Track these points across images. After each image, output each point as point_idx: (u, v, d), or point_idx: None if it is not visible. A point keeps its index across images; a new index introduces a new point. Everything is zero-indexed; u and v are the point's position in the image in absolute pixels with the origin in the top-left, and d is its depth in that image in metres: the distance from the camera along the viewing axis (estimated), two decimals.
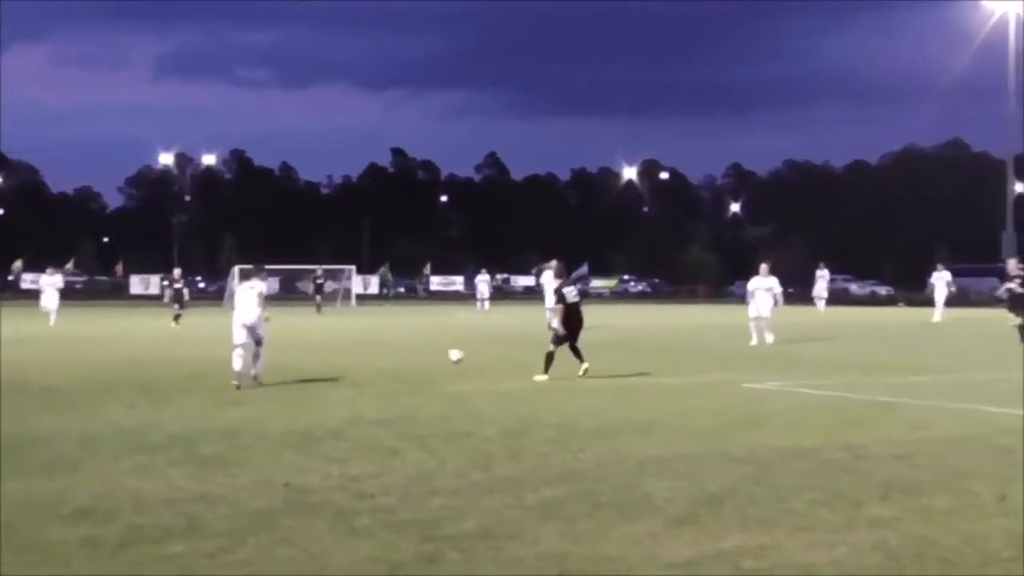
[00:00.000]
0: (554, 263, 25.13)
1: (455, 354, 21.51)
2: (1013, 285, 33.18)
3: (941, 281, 44.46)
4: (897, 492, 9.56)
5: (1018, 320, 29.50)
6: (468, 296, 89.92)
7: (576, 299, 20.59)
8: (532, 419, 14.17)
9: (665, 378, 20.06)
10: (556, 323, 20.81)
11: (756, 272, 30.85)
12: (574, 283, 20.91)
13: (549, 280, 34.44)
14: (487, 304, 60.31)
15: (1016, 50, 79.86)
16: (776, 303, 29.61)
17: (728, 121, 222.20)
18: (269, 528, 8.28)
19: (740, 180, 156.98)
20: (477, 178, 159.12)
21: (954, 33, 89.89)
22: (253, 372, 18.42)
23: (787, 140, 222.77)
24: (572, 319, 20.39)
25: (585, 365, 19.93)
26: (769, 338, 28.39)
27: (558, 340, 20.21)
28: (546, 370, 19.63)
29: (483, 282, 62.40)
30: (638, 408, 15.47)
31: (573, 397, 16.92)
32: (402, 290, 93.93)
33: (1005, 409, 15.22)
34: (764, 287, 29.49)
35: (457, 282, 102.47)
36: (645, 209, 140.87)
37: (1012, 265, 33.19)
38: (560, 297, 20.71)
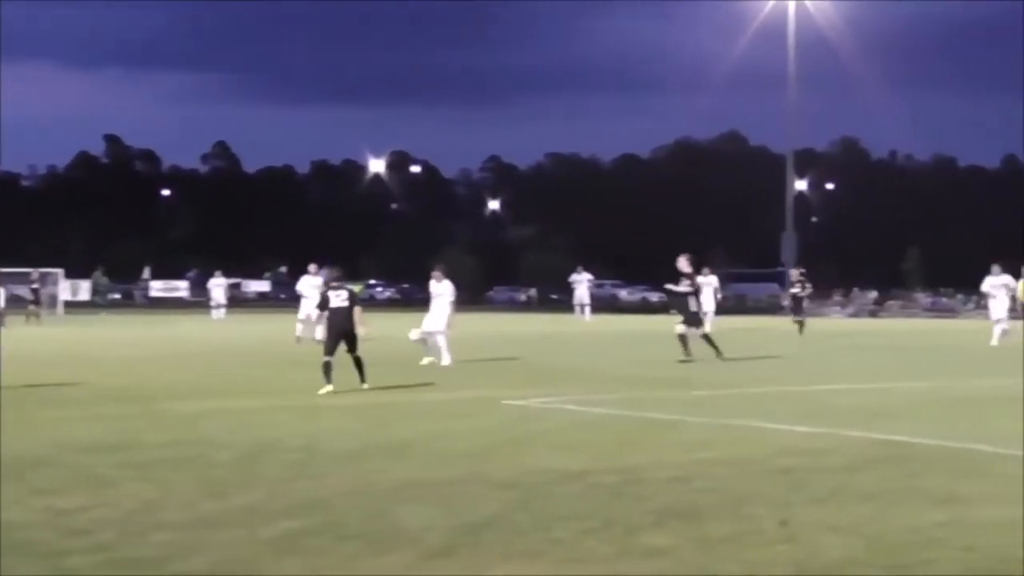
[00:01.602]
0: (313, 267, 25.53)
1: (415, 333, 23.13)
2: (796, 290, 38.03)
3: (709, 287, 45.77)
4: (674, 519, 9.79)
5: (796, 318, 37.83)
6: (194, 303, 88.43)
7: (345, 304, 20.77)
8: (270, 442, 14.02)
9: (420, 395, 20.12)
10: (320, 332, 21.14)
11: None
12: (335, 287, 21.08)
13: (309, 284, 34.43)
14: (223, 312, 59.05)
15: (795, 38, 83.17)
16: None
17: (486, 110, 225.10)
18: None
19: (500, 175, 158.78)
20: (204, 170, 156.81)
21: (730, 19, 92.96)
22: None
23: (551, 131, 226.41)
24: (337, 326, 20.67)
25: (364, 385, 20.42)
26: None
27: (327, 349, 20.58)
28: (327, 381, 20.14)
29: (218, 287, 60.96)
30: (389, 429, 15.47)
31: (316, 417, 16.81)
32: (118, 296, 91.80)
33: (784, 426, 15.79)
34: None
35: (181, 287, 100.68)
36: (394, 206, 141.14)
37: (795, 274, 38.91)
38: (324, 302, 20.94)
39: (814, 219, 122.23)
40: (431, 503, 10.38)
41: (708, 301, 45.20)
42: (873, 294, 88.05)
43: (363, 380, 20.59)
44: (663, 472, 12.04)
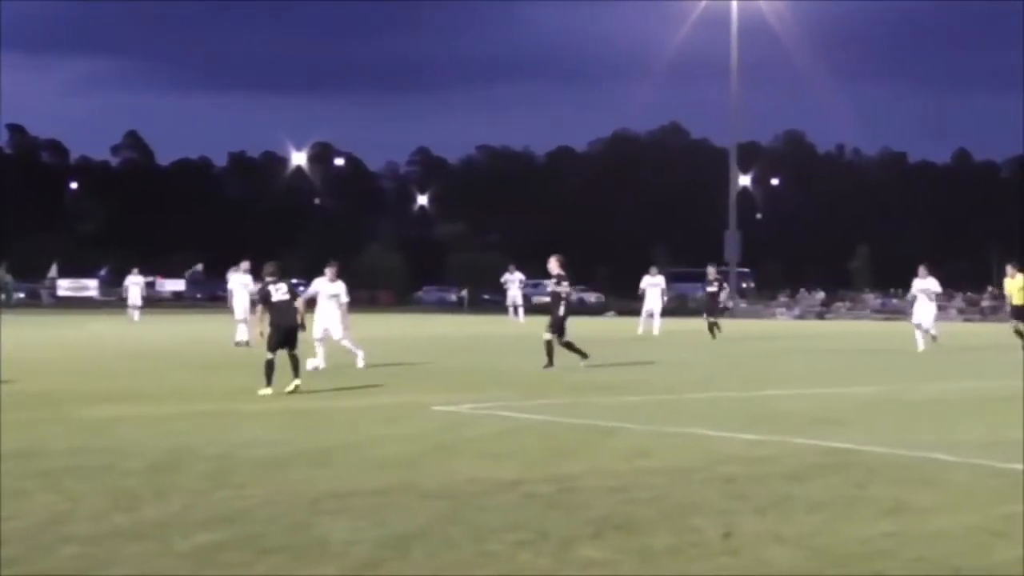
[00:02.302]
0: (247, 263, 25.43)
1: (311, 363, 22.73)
2: (712, 289, 38.09)
3: (656, 288, 45.90)
4: (612, 530, 9.83)
5: (709, 319, 37.97)
6: (104, 303, 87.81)
7: (286, 297, 21.11)
8: (185, 450, 13.96)
9: (344, 400, 20.10)
10: (257, 330, 21.60)
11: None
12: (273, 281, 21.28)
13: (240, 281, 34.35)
14: (138, 312, 58.25)
15: (738, 27, 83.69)
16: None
17: (414, 100, 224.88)
18: None
19: (428, 168, 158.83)
20: (115, 162, 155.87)
21: (671, 6, 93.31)
22: None
23: (482, 123, 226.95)
24: (281, 321, 21.02)
25: (297, 381, 20.62)
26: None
27: (271, 347, 20.80)
28: (268, 382, 20.40)
29: (135, 285, 60.18)
30: (312, 436, 15.44)
31: (235, 424, 16.75)
32: (22, 295, 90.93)
33: (727, 433, 15.89)
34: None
35: (91, 286, 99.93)
36: (317, 201, 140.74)
37: (711, 272, 38.78)
38: (265, 296, 21.23)
39: (759, 216, 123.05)
40: (357, 514, 10.37)
41: (655, 302, 45.34)
42: (820, 295, 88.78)
43: (297, 376, 20.71)
44: (601, 481, 12.09)
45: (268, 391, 20.31)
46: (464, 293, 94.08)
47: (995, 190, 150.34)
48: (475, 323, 59.13)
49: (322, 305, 26.20)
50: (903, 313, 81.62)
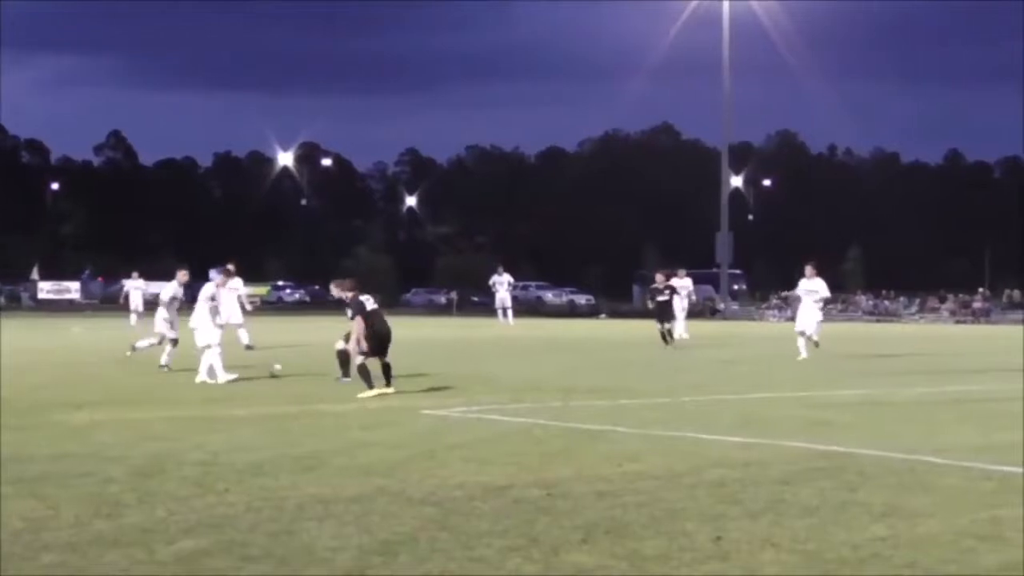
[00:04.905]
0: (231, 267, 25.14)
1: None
2: (662, 298, 37.35)
3: (682, 290, 45.11)
4: (602, 535, 9.84)
5: (663, 326, 36.90)
6: (87, 306, 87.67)
7: (376, 306, 21.92)
8: (168, 456, 13.94)
9: (330, 405, 20.07)
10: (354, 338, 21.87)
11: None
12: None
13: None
14: (135, 318, 56.89)
15: (730, 26, 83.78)
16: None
17: (403, 99, 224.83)
18: None
19: (417, 168, 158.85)
20: (97, 162, 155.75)
21: (663, 5, 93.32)
22: None
23: (472, 122, 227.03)
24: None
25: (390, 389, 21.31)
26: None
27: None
28: (369, 384, 21.06)
29: (136, 290, 59.02)
30: (297, 441, 15.43)
31: (219, 429, 16.73)
32: (1, 300, 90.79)
33: (717, 436, 15.91)
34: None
35: (72, 289, 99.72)
36: (304, 202, 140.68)
37: (660, 279, 38.00)
38: (360, 307, 21.69)
39: (750, 217, 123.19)
40: (342, 520, 10.36)
41: (680, 304, 44.38)
42: (826, 293, 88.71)
43: (390, 384, 21.52)
44: (590, 486, 12.09)
45: (372, 392, 20.96)
46: (453, 295, 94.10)
47: (987, 191, 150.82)
48: (464, 326, 59.11)
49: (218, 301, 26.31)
50: (895, 316, 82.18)
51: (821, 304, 33.48)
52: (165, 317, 27.25)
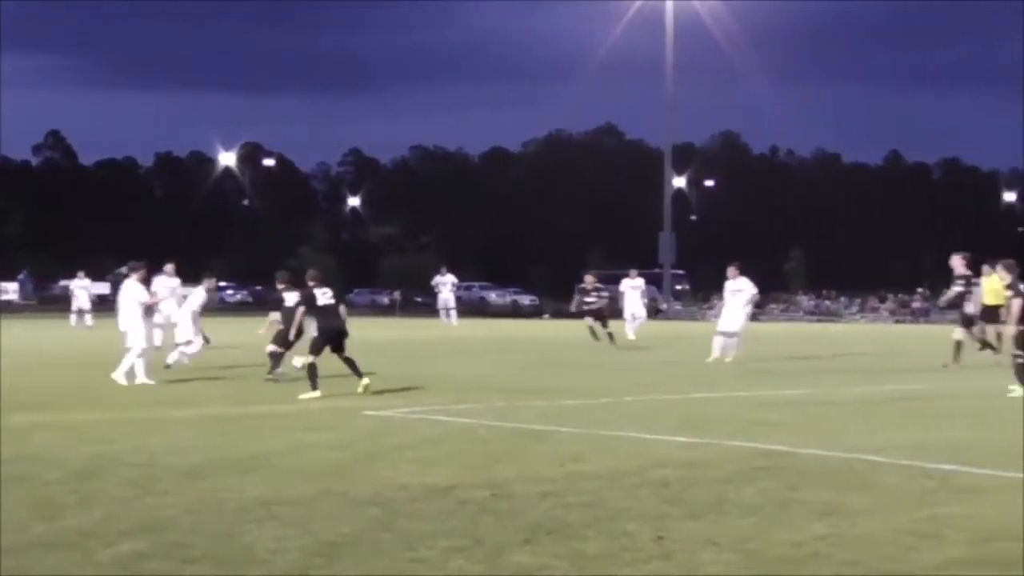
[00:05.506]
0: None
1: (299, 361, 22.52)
2: (591, 300, 37.23)
3: (636, 290, 44.79)
4: (545, 536, 9.85)
5: (595, 324, 37.11)
6: (24, 307, 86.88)
7: (331, 301, 22.07)
8: (107, 458, 13.86)
9: (272, 406, 20.01)
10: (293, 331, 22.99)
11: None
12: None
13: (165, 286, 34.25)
14: (90, 317, 56.01)
15: (673, 27, 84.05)
16: None
17: (346, 99, 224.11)
18: None
19: (361, 169, 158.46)
20: (35, 161, 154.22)
21: (606, 5, 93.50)
22: None
23: (416, 123, 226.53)
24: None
25: (366, 380, 21.65)
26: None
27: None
28: (314, 386, 20.96)
29: (82, 289, 58.30)
30: (239, 443, 15.36)
31: (159, 431, 16.64)
32: None
33: (660, 436, 15.96)
34: None
35: (10, 290, 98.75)
36: (246, 202, 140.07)
37: (589, 280, 37.89)
38: (309, 300, 22.00)
39: (693, 217, 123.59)
40: (284, 522, 10.32)
41: (637, 304, 44.10)
42: (754, 292, 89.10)
43: (362, 376, 21.73)
44: (534, 486, 12.10)
45: (315, 394, 20.75)
46: (396, 295, 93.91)
47: (927, 192, 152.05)
48: (407, 326, 59.05)
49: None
50: (836, 315, 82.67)
51: (751, 304, 33.38)
52: (192, 323, 27.44)
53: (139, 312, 24.25)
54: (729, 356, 31.21)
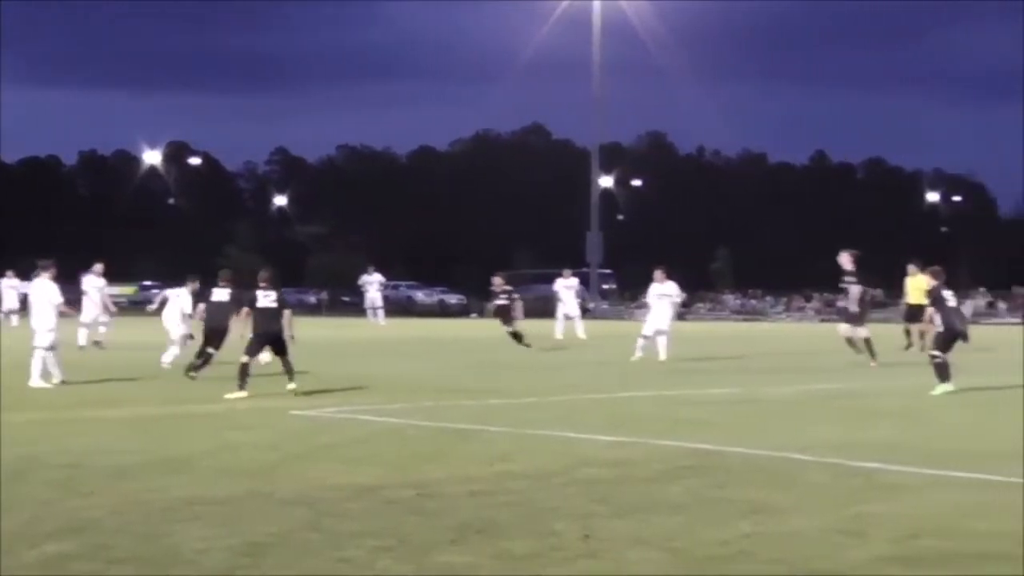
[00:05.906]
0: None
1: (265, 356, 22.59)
2: (501, 302, 37.26)
3: (570, 290, 45.00)
4: (473, 535, 9.86)
5: (507, 329, 36.64)
6: None
7: (273, 304, 21.98)
8: (33, 459, 13.74)
9: (199, 406, 19.90)
10: (238, 333, 22.44)
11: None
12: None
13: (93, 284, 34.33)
14: (16, 318, 55.15)
15: (600, 26, 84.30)
16: None
17: (272, 98, 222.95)
18: None
19: (287, 168, 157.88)
20: None
21: (533, 4, 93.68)
22: None
23: (342, 122, 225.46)
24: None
25: (292, 384, 21.42)
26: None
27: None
28: (241, 386, 20.93)
29: (10, 289, 57.43)
30: (164, 443, 15.27)
31: (85, 432, 16.51)
32: None
33: (587, 435, 16.00)
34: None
35: None
36: (172, 201, 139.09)
37: (497, 282, 37.89)
38: (251, 301, 22.02)
39: (620, 217, 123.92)
40: (210, 522, 10.27)
41: (572, 304, 44.40)
42: (681, 296, 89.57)
43: (293, 380, 21.50)
44: (461, 486, 12.11)
45: (242, 394, 20.67)
46: (323, 295, 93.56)
47: (852, 191, 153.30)
48: (334, 326, 58.82)
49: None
50: (762, 314, 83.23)
51: (676, 306, 33.67)
52: (182, 323, 27.60)
53: (51, 311, 23.73)
54: (663, 355, 31.40)
